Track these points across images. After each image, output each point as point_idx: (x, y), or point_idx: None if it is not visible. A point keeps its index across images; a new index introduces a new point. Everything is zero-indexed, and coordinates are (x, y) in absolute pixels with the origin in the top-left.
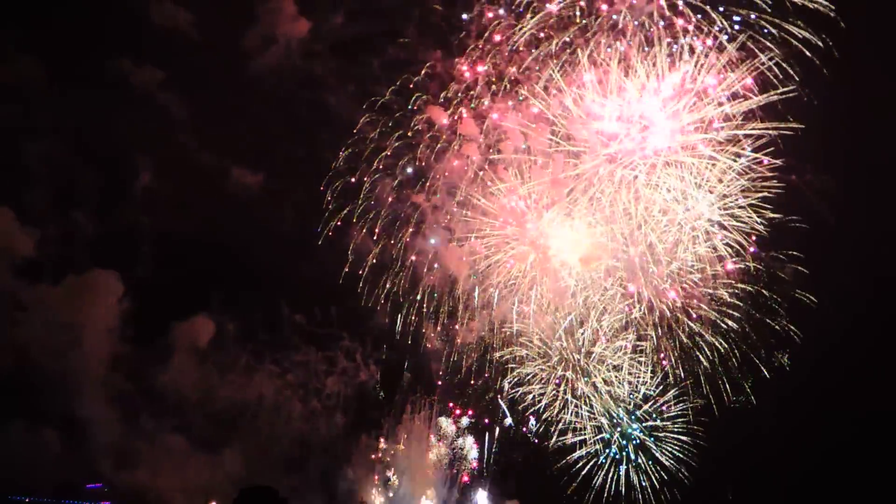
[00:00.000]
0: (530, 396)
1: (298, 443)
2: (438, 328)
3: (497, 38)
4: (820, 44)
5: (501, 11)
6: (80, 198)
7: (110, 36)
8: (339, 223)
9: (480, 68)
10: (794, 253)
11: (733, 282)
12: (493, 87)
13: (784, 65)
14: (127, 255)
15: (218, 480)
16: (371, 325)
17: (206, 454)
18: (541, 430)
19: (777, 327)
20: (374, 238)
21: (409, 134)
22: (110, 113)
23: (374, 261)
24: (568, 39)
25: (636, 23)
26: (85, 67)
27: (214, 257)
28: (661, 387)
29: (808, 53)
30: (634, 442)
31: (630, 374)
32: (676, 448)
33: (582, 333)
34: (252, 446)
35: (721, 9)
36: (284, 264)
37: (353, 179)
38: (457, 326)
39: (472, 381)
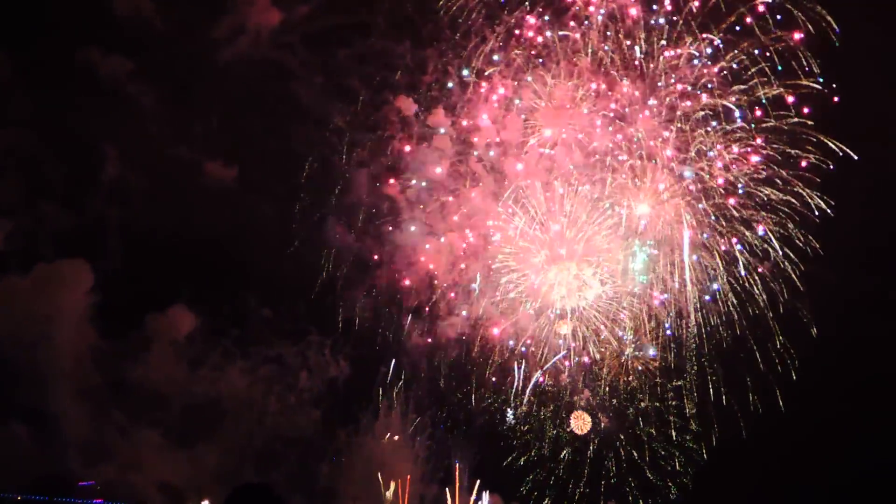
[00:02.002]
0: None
1: (275, 438)
2: (418, 323)
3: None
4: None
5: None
6: (50, 189)
7: (75, 26)
8: (315, 218)
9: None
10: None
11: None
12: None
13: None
14: (97, 247)
15: (195, 476)
16: (346, 319)
17: (182, 449)
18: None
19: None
20: (352, 233)
21: (382, 127)
22: (78, 103)
23: (352, 255)
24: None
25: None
26: (51, 58)
27: (188, 250)
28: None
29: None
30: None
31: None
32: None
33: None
34: (228, 442)
35: None
36: (259, 258)
37: (327, 174)
38: (438, 322)
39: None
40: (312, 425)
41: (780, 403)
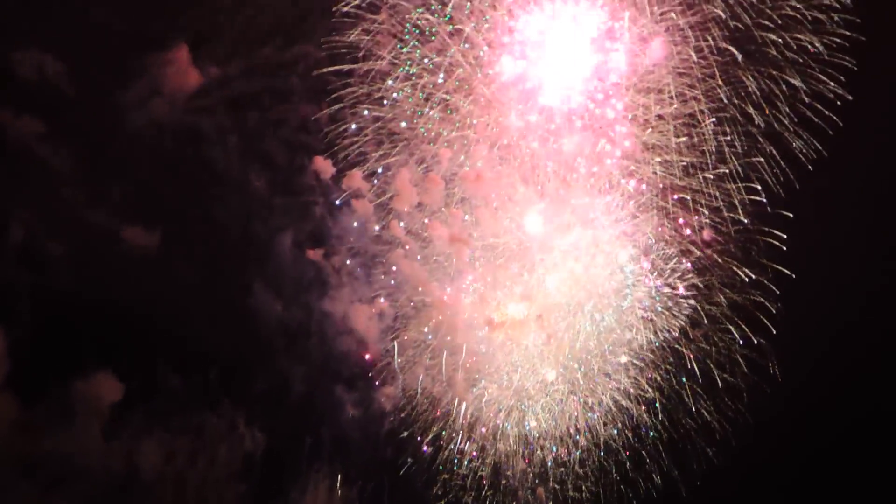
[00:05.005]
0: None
1: None
2: (351, 393)
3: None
4: None
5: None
6: None
7: None
8: (239, 285)
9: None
10: None
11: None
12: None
13: None
14: (7, 312)
15: None
16: (273, 389)
17: None
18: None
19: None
20: (278, 300)
21: (301, 191)
22: None
23: (279, 323)
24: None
25: None
26: None
27: (107, 318)
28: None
29: None
30: None
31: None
32: None
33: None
34: None
35: None
36: (181, 326)
37: (250, 240)
38: (372, 392)
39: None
40: (238, 500)
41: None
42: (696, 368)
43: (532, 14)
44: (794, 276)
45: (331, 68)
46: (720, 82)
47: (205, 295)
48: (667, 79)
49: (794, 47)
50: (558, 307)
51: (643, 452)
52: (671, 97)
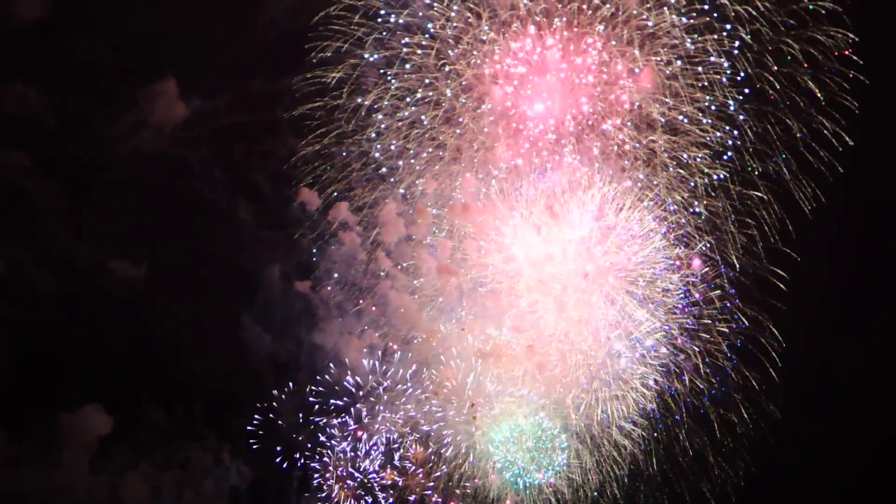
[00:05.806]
0: None
1: None
2: (342, 426)
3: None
4: None
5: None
6: None
7: None
8: (228, 318)
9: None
10: None
11: None
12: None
13: None
14: None
15: None
16: (264, 422)
17: None
18: None
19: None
20: (267, 333)
21: (288, 224)
22: None
23: (269, 356)
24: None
25: None
26: None
27: (93, 351)
28: None
29: None
30: None
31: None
32: None
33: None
34: None
35: None
36: (169, 360)
37: (238, 272)
38: (364, 425)
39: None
40: None
41: None
42: (691, 405)
43: (521, 47)
44: (790, 311)
45: (317, 102)
46: (713, 120)
47: (193, 327)
48: (656, 112)
49: (792, 89)
50: (549, 338)
51: (639, 493)
52: (656, 130)
